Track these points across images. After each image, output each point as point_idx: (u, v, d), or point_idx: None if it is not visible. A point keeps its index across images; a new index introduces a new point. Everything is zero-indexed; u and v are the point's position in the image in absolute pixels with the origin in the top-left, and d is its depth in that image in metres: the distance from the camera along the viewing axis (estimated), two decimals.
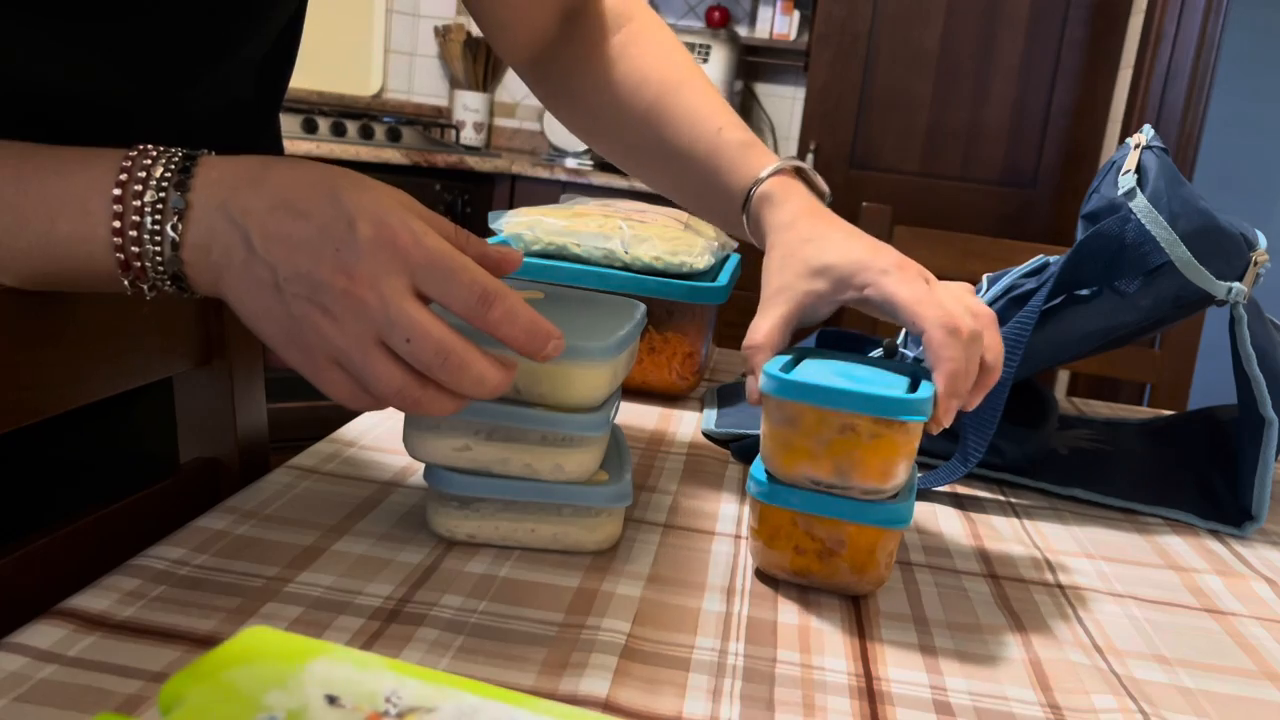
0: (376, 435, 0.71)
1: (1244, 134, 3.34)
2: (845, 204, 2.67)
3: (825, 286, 0.59)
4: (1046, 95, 2.60)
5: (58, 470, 0.80)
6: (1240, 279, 0.70)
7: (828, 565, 0.53)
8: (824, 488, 0.52)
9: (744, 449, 0.75)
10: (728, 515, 0.63)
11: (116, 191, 0.44)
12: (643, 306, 0.62)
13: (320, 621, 0.45)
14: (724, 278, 0.89)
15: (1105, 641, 0.52)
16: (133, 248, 0.44)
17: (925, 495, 0.72)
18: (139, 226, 0.44)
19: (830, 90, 2.65)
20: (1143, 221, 0.71)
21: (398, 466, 0.65)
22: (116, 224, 0.44)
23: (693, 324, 0.87)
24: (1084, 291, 0.74)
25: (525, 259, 0.87)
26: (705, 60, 2.74)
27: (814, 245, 0.61)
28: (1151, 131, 0.77)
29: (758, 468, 0.55)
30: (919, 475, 0.67)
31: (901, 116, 2.64)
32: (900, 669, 0.47)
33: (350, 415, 0.75)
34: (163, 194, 0.44)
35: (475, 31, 3.13)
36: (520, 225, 0.87)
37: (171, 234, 0.44)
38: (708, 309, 0.88)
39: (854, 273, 0.59)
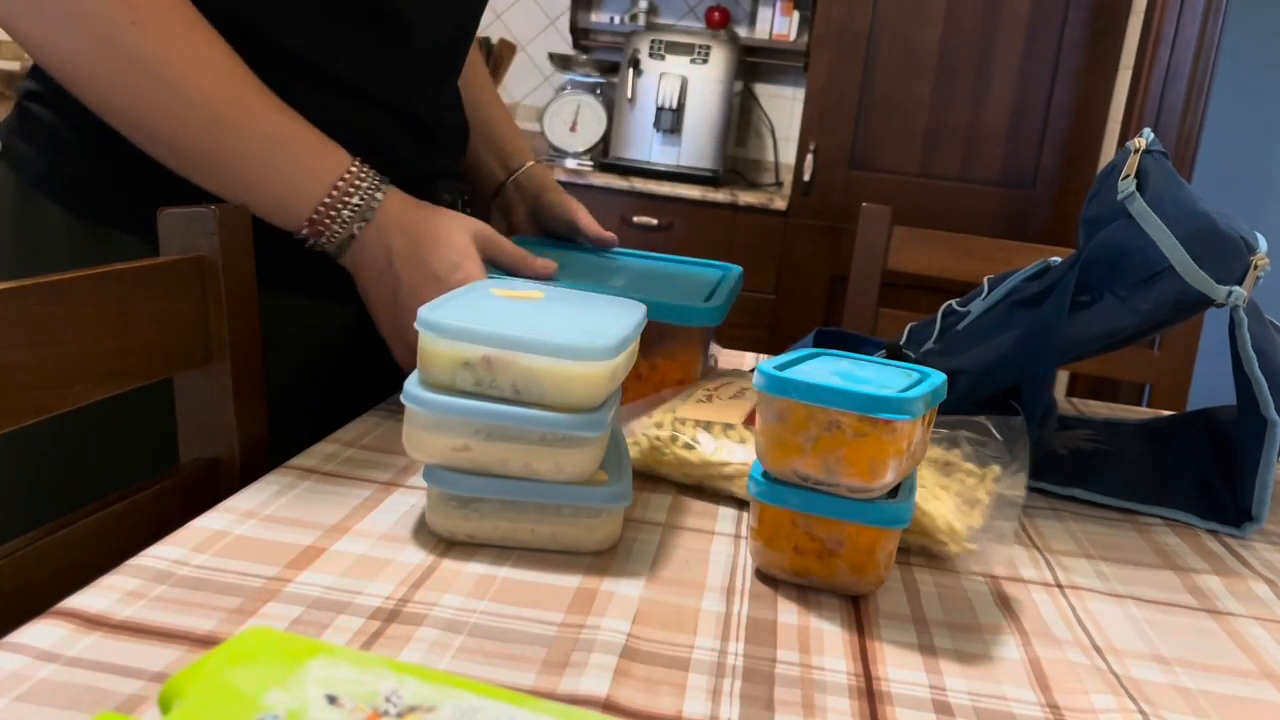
0: (376, 435, 0.71)
1: (1244, 134, 3.34)
2: (845, 204, 2.68)
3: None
4: (1046, 96, 2.60)
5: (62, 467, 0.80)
6: (1240, 283, 0.70)
7: (827, 565, 0.53)
8: (812, 484, 0.52)
9: None
10: (728, 515, 0.63)
11: (334, 192, 0.71)
12: (643, 307, 0.62)
13: (320, 621, 0.46)
14: (720, 296, 0.80)
15: (1105, 641, 0.52)
16: (325, 222, 0.71)
17: None
18: (337, 218, 0.71)
19: (830, 91, 2.66)
20: (1143, 226, 0.71)
21: (398, 466, 0.65)
22: (320, 209, 0.71)
23: (684, 349, 0.77)
24: (1084, 297, 0.74)
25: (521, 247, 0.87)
26: (705, 61, 2.74)
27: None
28: (1151, 135, 0.77)
29: (757, 468, 0.55)
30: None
31: (901, 117, 2.64)
32: (900, 669, 0.47)
33: (350, 416, 0.75)
34: (358, 209, 0.72)
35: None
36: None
37: (355, 232, 0.72)
38: (701, 332, 0.77)
39: None
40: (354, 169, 0.72)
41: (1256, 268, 0.71)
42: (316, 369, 0.87)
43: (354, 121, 0.77)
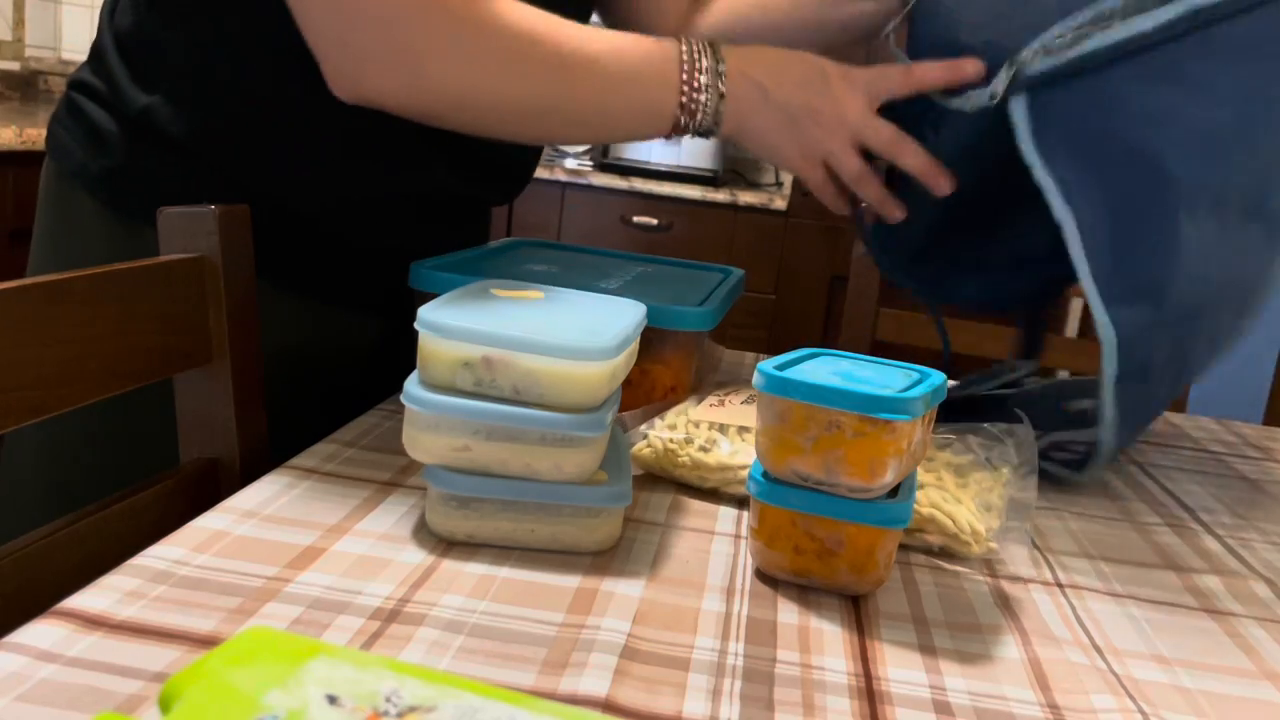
0: (376, 435, 0.71)
1: None
2: None
3: None
4: None
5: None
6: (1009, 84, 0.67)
7: (827, 565, 0.53)
8: (813, 484, 0.52)
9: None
10: (728, 515, 0.63)
11: (685, 71, 0.72)
12: (643, 307, 0.62)
13: (320, 621, 0.46)
14: (715, 299, 0.78)
15: (1105, 641, 0.52)
16: (694, 95, 0.73)
17: None
18: (698, 86, 0.72)
19: None
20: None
21: (398, 466, 0.65)
22: (684, 89, 0.72)
23: (677, 354, 0.74)
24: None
25: (524, 252, 0.87)
26: None
27: None
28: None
29: (757, 468, 0.55)
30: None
31: None
32: (900, 669, 0.47)
33: (350, 416, 0.75)
34: (711, 69, 0.73)
35: None
36: None
37: (720, 87, 0.73)
38: (693, 336, 0.74)
39: None
40: (680, 43, 0.73)
41: (1022, 63, 0.67)
42: (333, 377, 0.86)
43: (394, 129, 0.73)
